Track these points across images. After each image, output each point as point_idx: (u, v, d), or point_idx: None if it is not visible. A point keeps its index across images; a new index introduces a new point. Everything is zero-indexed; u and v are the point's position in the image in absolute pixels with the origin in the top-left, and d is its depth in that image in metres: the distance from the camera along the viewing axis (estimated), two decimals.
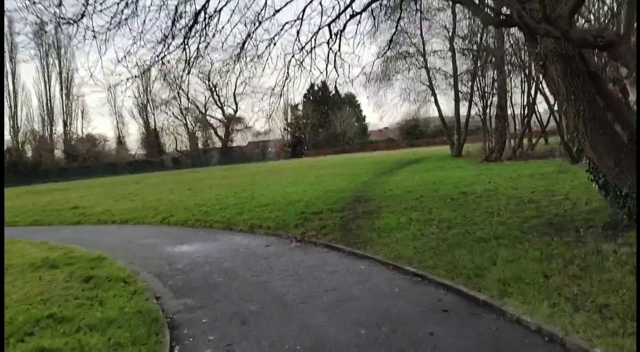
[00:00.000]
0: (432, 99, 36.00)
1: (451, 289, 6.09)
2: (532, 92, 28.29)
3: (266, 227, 11.33)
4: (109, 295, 6.34)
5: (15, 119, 65.14)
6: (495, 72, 27.51)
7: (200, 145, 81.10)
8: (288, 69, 11.28)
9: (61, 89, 68.59)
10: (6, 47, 58.47)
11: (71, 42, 7.49)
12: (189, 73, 9.49)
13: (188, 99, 78.02)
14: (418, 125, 79.27)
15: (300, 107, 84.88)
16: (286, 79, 11.50)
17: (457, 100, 33.61)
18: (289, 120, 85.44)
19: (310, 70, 11.27)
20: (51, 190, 32.81)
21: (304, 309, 5.81)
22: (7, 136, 65.67)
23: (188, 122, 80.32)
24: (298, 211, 12.32)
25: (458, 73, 32.53)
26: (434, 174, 18.45)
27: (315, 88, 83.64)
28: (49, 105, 67.70)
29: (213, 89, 76.65)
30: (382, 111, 41.36)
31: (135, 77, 8.55)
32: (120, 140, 76.60)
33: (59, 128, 69.51)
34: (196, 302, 6.37)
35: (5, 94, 64.30)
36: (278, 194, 16.10)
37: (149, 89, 76.47)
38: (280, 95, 11.42)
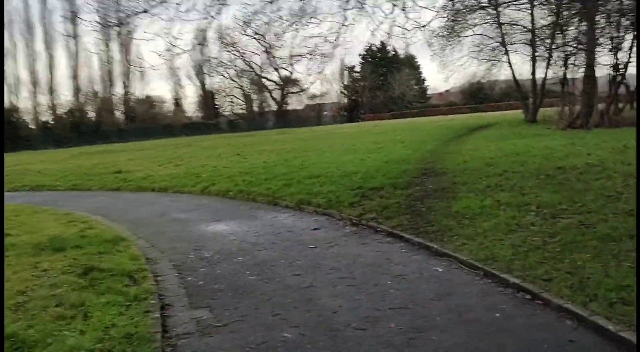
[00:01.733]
0: (505, 58, 32.43)
1: (585, 323, 4.04)
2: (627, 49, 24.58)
3: (316, 204, 9.51)
4: (100, 302, 4.75)
5: (77, 79, 66.20)
6: (581, 24, 23.89)
7: (255, 108, 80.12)
8: (345, 11, 9.17)
9: (120, 51, 68.85)
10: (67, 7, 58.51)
11: None
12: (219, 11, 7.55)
13: (244, 60, 76.93)
14: (482, 88, 74.20)
15: (357, 69, 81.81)
16: (343, 24, 9.41)
17: (534, 59, 30.00)
18: (345, 83, 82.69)
19: (374, 13, 9.08)
20: (104, 151, 32.55)
21: (362, 343, 3.96)
22: (69, 97, 67.18)
23: (244, 84, 79.45)
24: (354, 185, 10.41)
25: (536, 27, 28.81)
26: (513, 143, 15.87)
27: (374, 48, 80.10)
28: (108, 66, 68.25)
29: (269, 50, 74.75)
30: (449, 71, 37.81)
31: (142, 12, 6.73)
32: (177, 103, 76.69)
33: (118, 89, 70.29)
34: (215, 317, 4.66)
35: (67, 54, 65.37)
36: (332, 164, 14.20)
37: (205, 49, 75.81)
38: (335, 45, 9.34)
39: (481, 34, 32.32)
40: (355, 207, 8.81)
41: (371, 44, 77.83)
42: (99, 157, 26.56)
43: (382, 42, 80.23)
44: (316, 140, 28.21)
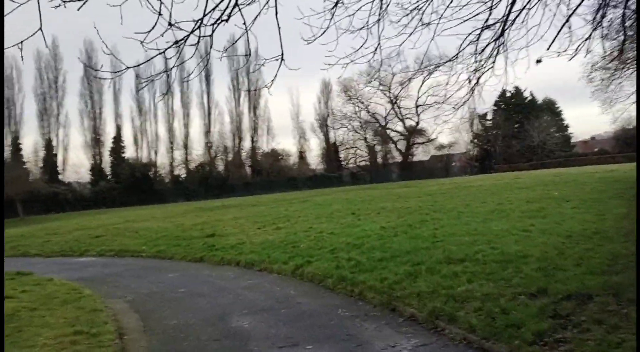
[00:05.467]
0: None
1: None
2: None
3: (465, 325, 5.30)
4: None
5: (209, 135, 69.09)
6: None
7: (379, 160, 77.24)
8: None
9: (249, 106, 71.10)
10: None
11: None
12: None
13: (368, 111, 75.18)
14: None
15: (489, 117, 75.49)
16: (500, 35, 5.52)
17: None
18: (475, 132, 76.58)
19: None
20: (216, 208, 30.90)
21: None
22: (200, 151, 69.91)
23: (367, 136, 77.39)
24: (530, 284, 6.02)
25: None
26: None
27: (507, 94, 73.57)
28: (238, 121, 70.54)
29: (394, 100, 72.58)
30: (617, 111, 29.86)
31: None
32: (301, 155, 76.76)
33: (246, 143, 72.04)
34: None
35: (201, 112, 68.63)
36: (479, 236, 9.79)
37: (329, 103, 75.90)
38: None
39: None
40: (548, 345, 4.47)
41: (504, 90, 71.77)
42: (206, 215, 24.63)
43: (516, 87, 74.04)
44: (446, 196, 23.56)
